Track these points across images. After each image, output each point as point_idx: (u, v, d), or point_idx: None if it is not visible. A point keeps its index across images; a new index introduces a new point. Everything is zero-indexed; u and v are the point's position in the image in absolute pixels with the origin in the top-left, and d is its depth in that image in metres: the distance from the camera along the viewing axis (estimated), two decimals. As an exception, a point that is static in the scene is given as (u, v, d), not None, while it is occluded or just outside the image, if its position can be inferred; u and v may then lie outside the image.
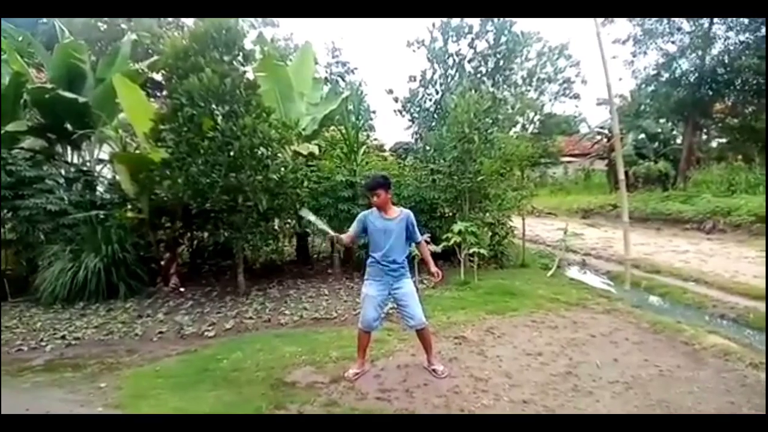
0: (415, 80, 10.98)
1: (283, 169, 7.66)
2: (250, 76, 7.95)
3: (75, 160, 10.80)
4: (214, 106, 7.28)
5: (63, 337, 6.00)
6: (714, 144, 26.03)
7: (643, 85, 21.77)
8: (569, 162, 34.27)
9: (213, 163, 7.11)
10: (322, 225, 5.02)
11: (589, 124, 32.53)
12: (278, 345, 5.41)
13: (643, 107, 23.70)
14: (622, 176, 6.96)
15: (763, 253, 9.10)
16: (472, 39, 11.08)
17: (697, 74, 18.81)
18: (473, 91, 9.00)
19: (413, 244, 4.79)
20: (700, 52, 18.63)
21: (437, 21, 11.09)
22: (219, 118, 7.31)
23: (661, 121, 24.01)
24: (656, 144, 23.65)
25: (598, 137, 28.20)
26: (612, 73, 58.04)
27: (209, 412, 3.91)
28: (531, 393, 4.06)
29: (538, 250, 11.46)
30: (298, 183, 7.97)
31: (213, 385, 4.44)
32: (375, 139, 19.35)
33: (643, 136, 23.97)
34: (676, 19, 18.71)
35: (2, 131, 8.75)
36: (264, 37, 10.99)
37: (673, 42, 19.48)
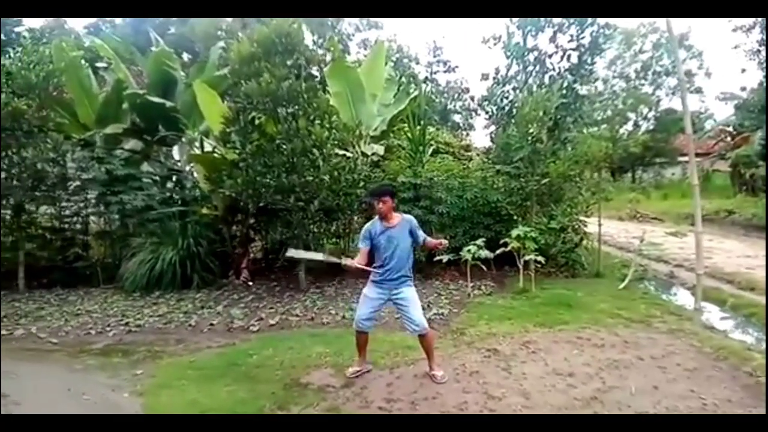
0: (487, 78, 10.54)
1: (337, 171, 7.73)
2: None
3: (174, 160, 11.80)
4: (277, 109, 7.54)
5: (127, 324, 6.54)
6: None
7: (775, 76, 19.32)
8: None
9: (270, 165, 7.36)
10: (318, 256, 5.09)
11: (716, 120, 29.61)
12: (309, 344, 5.49)
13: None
14: (695, 181, 6.17)
15: None
16: (554, 33, 10.38)
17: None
18: (547, 88, 8.48)
19: (421, 245, 4.74)
20: None
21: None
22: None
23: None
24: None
25: (721, 135, 25.46)
26: (734, 63, 52.44)
27: (218, 406, 4.06)
28: (542, 418, 3.74)
29: (624, 258, 10.56)
30: (355, 184, 8.02)
31: (232, 380, 4.60)
32: (463, 139, 19.09)
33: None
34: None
35: (102, 133, 9.75)
36: (334, 40, 11.16)
37: (811, 26, 17.08)
